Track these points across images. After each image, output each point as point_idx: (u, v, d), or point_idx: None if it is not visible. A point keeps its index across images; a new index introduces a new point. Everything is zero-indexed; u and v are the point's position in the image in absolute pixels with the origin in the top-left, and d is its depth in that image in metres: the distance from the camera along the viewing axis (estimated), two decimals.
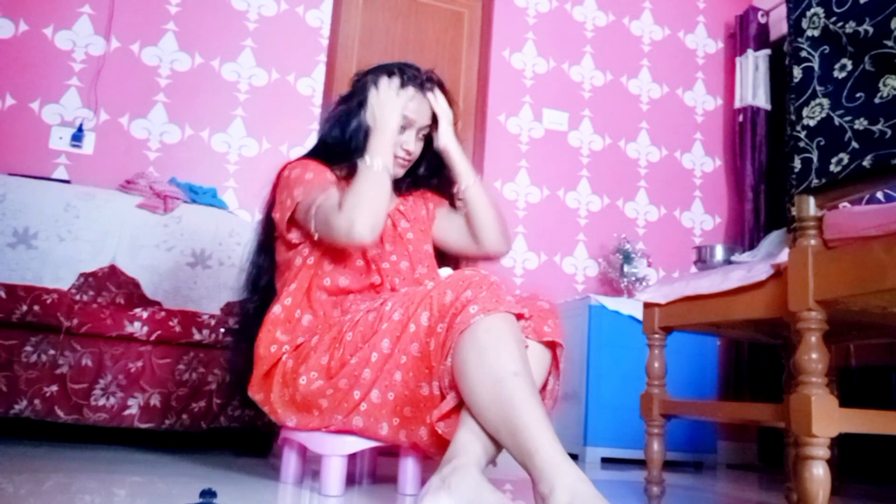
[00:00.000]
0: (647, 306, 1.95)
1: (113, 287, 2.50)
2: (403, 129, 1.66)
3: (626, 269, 3.47)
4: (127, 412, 2.09)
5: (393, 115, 1.60)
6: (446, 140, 1.73)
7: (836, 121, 1.36)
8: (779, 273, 1.52)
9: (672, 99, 4.03)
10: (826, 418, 1.34)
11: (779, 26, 3.86)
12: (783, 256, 1.52)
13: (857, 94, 1.33)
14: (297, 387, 1.48)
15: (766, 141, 3.87)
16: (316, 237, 1.53)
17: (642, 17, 4.06)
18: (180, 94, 3.19)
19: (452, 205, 1.82)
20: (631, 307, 3.14)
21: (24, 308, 2.02)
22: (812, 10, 1.45)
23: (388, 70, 1.71)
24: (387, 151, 1.55)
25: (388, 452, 1.65)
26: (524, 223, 3.63)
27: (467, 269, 1.39)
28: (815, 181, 1.39)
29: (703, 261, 2.08)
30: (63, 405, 2.04)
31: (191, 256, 2.59)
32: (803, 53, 1.46)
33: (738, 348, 3.68)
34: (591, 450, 2.98)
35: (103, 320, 2.10)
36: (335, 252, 1.60)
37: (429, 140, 1.76)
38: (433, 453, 1.40)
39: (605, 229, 3.73)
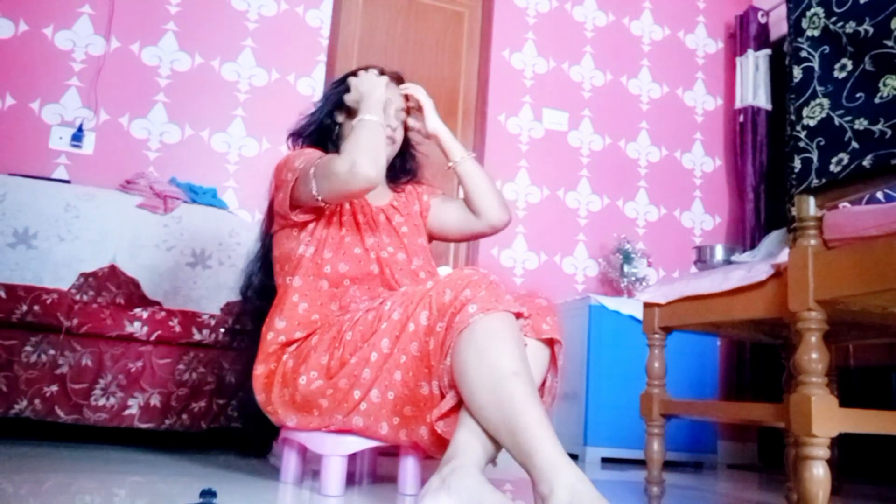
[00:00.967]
0: (647, 306, 1.95)
1: (113, 287, 2.50)
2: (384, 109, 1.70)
3: (626, 269, 3.47)
4: (127, 412, 2.09)
5: (378, 85, 1.66)
6: (434, 124, 1.79)
7: (836, 121, 1.36)
8: (779, 273, 1.52)
9: (672, 99, 4.03)
10: (826, 418, 1.34)
11: (779, 26, 3.86)
12: (783, 256, 1.52)
13: (857, 94, 1.33)
14: (296, 387, 1.48)
15: (766, 141, 3.86)
16: (320, 199, 1.51)
17: (642, 17, 4.06)
18: (180, 94, 3.19)
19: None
20: (631, 307, 3.14)
21: (24, 308, 2.02)
22: (812, 10, 1.45)
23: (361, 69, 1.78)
24: (377, 110, 1.59)
25: (388, 452, 1.65)
26: (524, 223, 3.63)
27: (466, 269, 1.39)
28: (815, 181, 1.39)
29: (703, 261, 2.08)
30: (63, 405, 2.04)
31: (191, 256, 2.59)
32: (803, 53, 1.46)
33: (738, 348, 3.68)
34: (591, 450, 2.98)
35: (103, 320, 2.10)
36: (333, 241, 1.60)
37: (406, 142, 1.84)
38: (433, 452, 1.40)
39: (605, 229, 3.73)
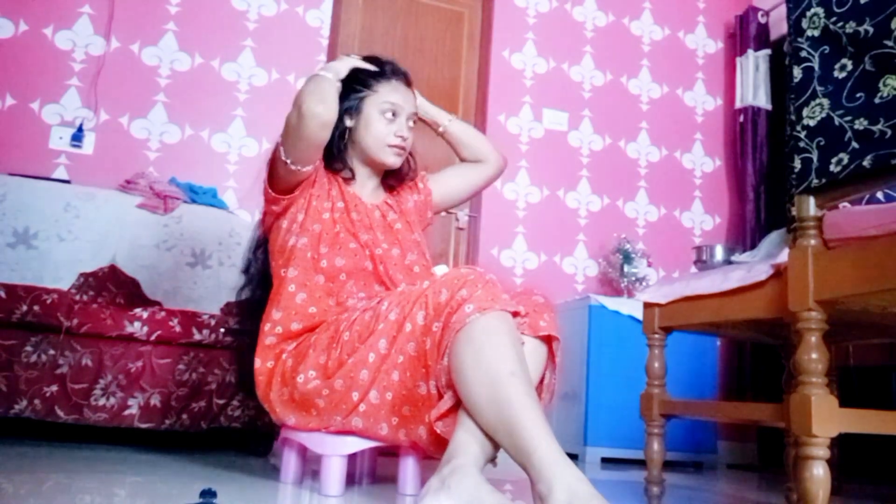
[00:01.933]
0: (647, 306, 1.95)
1: (113, 287, 2.50)
2: (394, 115, 1.70)
3: (626, 269, 3.47)
4: (127, 412, 2.09)
5: (344, 61, 1.68)
6: (418, 103, 1.84)
7: (836, 121, 1.36)
8: (779, 273, 1.52)
9: (672, 99, 4.03)
10: (826, 418, 1.34)
11: (779, 26, 3.86)
12: (783, 256, 1.52)
13: (857, 94, 1.33)
14: (295, 385, 1.49)
15: (766, 141, 3.86)
16: (289, 162, 1.54)
17: (642, 17, 4.06)
18: (180, 94, 3.19)
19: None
20: (631, 307, 3.14)
21: (24, 308, 2.02)
22: (812, 10, 1.45)
23: (375, 62, 1.76)
24: (333, 69, 1.61)
25: (388, 452, 1.65)
26: (524, 223, 3.63)
27: (463, 268, 1.39)
28: (815, 181, 1.39)
29: (703, 261, 2.08)
30: (63, 405, 2.04)
31: (191, 256, 2.59)
32: (803, 53, 1.46)
33: (738, 348, 3.68)
34: (591, 450, 2.98)
35: (103, 320, 2.10)
36: (328, 236, 1.60)
37: None
38: (433, 452, 1.40)
39: (605, 229, 3.73)
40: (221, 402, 2.19)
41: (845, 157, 1.33)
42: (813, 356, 1.38)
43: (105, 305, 2.22)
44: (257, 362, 1.58)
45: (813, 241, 1.42)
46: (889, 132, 1.25)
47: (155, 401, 2.12)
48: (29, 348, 2.04)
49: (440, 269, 1.78)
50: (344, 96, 1.68)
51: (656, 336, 1.93)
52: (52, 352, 2.05)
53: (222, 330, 2.20)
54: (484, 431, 1.24)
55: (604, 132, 3.86)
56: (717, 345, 3.40)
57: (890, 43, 1.26)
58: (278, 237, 1.65)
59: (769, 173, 3.84)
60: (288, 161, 1.54)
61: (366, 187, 1.77)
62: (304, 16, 3.45)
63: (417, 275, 1.66)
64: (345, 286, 1.59)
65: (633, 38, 4.02)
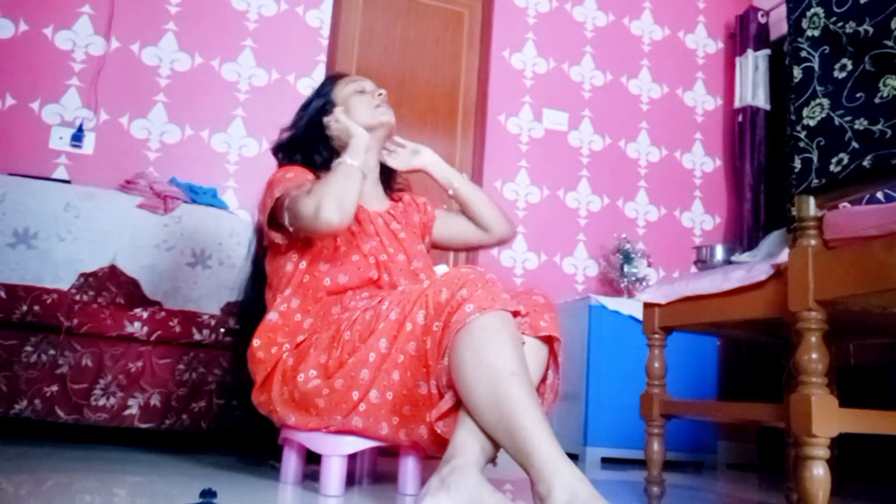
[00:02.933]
0: (647, 306, 1.95)
1: (113, 287, 2.50)
2: (363, 91, 1.76)
3: (626, 269, 3.47)
4: (127, 412, 2.09)
5: (358, 126, 1.66)
6: (429, 156, 1.85)
7: (836, 121, 1.36)
8: (779, 273, 1.52)
9: (672, 99, 4.03)
10: (826, 418, 1.34)
11: (779, 26, 3.86)
12: (783, 256, 1.52)
13: (857, 94, 1.33)
14: (295, 384, 1.49)
15: (765, 141, 3.86)
16: (291, 230, 1.53)
17: (642, 17, 4.06)
18: (180, 94, 3.19)
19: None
20: (631, 307, 3.14)
21: (24, 308, 2.02)
22: (812, 10, 1.45)
23: (322, 82, 1.85)
24: (360, 154, 1.58)
25: (388, 452, 1.65)
26: (524, 223, 3.63)
27: (463, 267, 1.39)
28: (815, 181, 1.39)
29: (703, 261, 2.08)
30: (63, 405, 2.04)
31: (191, 256, 2.59)
32: (803, 53, 1.46)
33: (738, 348, 3.68)
34: (591, 450, 2.98)
35: (103, 320, 2.10)
36: (328, 252, 1.60)
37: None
38: (433, 452, 1.40)
39: (605, 229, 3.73)
40: (221, 402, 2.19)
41: (845, 157, 1.33)
42: (813, 356, 1.38)
43: (105, 305, 2.22)
44: (259, 379, 1.58)
45: (813, 241, 1.42)
46: (889, 132, 1.25)
47: (155, 401, 2.12)
48: (29, 348, 2.04)
49: (440, 269, 1.78)
50: (317, 106, 1.76)
51: (656, 336, 1.93)
52: (52, 352, 2.05)
53: (222, 330, 2.20)
54: (484, 431, 1.24)
55: (604, 132, 3.86)
56: (717, 345, 3.40)
57: (890, 43, 1.26)
58: (274, 261, 1.66)
59: (768, 173, 3.84)
60: (291, 230, 1.54)
61: (367, 194, 1.76)
62: (304, 16, 3.45)
63: (422, 281, 1.66)
64: (347, 294, 1.60)
65: (633, 38, 4.02)
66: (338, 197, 1.46)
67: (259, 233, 1.73)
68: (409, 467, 1.56)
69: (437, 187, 1.88)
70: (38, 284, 2.18)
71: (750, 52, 3.91)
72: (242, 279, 1.87)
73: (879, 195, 1.74)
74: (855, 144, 1.31)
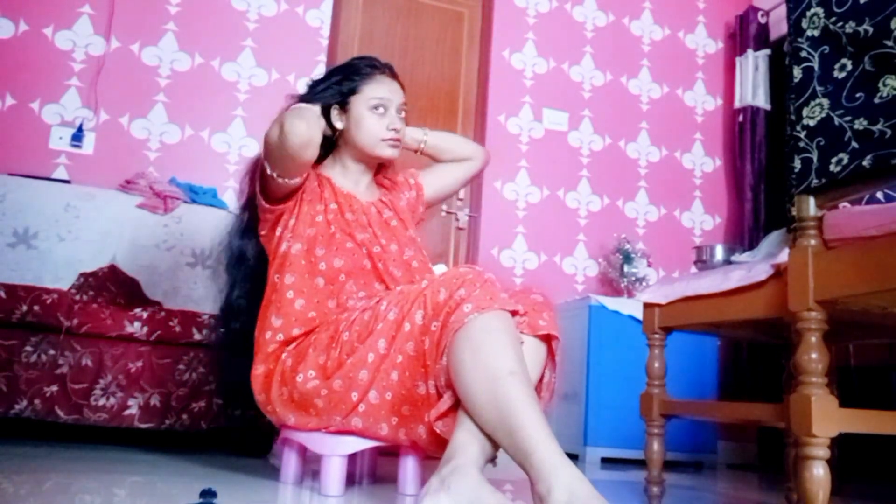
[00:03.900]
0: (647, 306, 1.95)
1: (113, 287, 2.50)
2: (384, 109, 1.70)
3: (626, 269, 3.47)
4: (127, 412, 2.09)
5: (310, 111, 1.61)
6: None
7: (836, 121, 1.36)
8: (779, 273, 1.52)
9: (672, 99, 4.03)
10: (826, 418, 1.34)
11: (779, 26, 3.86)
12: (783, 256, 1.52)
13: (857, 94, 1.33)
14: (294, 384, 1.48)
15: (765, 141, 3.86)
16: (275, 175, 1.54)
17: (642, 17, 4.06)
18: (180, 94, 3.19)
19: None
20: (631, 307, 3.14)
21: (24, 308, 2.02)
22: (812, 10, 1.45)
23: (352, 65, 1.77)
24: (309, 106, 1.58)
25: (388, 452, 1.65)
26: (524, 223, 3.63)
27: (462, 267, 1.39)
28: (815, 181, 1.39)
29: (703, 261, 2.07)
30: (63, 405, 2.04)
31: (191, 256, 2.59)
32: (803, 53, 1.45)
33: (738, 348, 3.68)
34: (591, 450, 2.98)
35: (103, 320, 2.10)
36: (324, 238, 1.60)
37: None
38: (433, 452, 1.40)
39: (605, 229, 3.73)
40: (221, 402, 2.19)
41: (845, 157, 1.33)
42: (813, 356, 1.38)
43: (105, 305, 2.22)
44: (259, 369, 1.58)
45: (813, 241, 1.42)
46: (889, 132, 1.25)
47: (155, 401, 2.12)
48: (29, 348, 2.04)
49: (439, 269, 1.78)
50: (332, 99, 1.71)
51: (656, 336, 1.93)
52: (52, 352, 2.05)
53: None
54: (484, 431, 1.24)
55: (604, 132, 3.86)
56: (717, 345, 3.40)
57: (890, 43, 1.26)
58: (272, 243, 1.66)
59: (769, 173, 3.84)
60: (274, 175, 1.54)
61: (360, 184, 1.77)
62: (304, 16, 3.45)
63: (416, 270, 1.67)
64: (344, 287, 1.59)
65: (633, 38, 4.02)
66: (295, 113, 1.48)
67: (246, 220, 1.72)
68: (409, 467, 1.56)
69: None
70: (38, 284, 2.18)
71: (750, 52, 3.91)
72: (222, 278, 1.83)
73: (879, 195, 1.74)
74: (855, 144, 1.31)
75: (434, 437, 1.36)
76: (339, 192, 1.70)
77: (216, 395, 2.19)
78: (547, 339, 1.42)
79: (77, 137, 3.00)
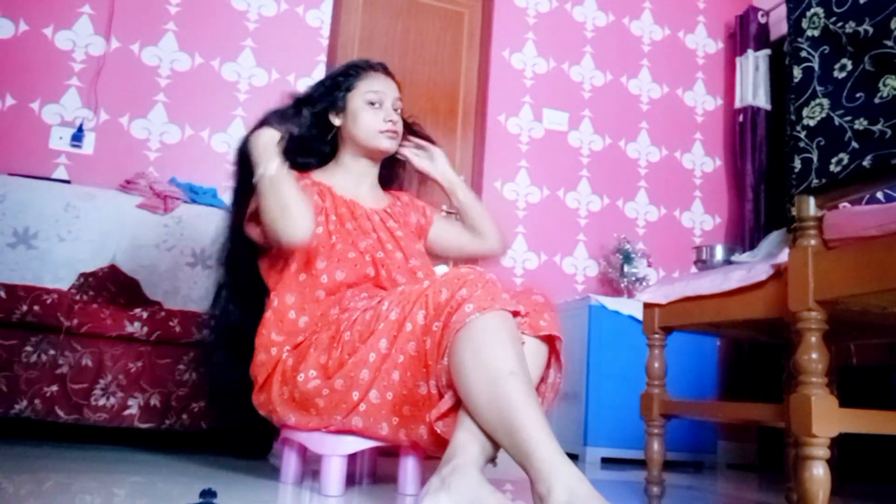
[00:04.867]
0: (647, 306, 1.95)
1: (113, 287, 2.50)
2: (379, 104, 1.73)
3: (626, 269, 3.47)
4: (127, 412, 2.09)
5: (262, 136, 1.59)
6: (439, 168, 1.88)
7: (836, 121, 1.36)
8: (779, 273, 1.52)
9: (672, 99, 4.03)
10: (826, 418, 1.34)
11: (779, 26, 3.86)
12: (783, 256, 1.52)
13: (857, 94, 1.33)
14: (295, 384, 1.48)
15: (766, 141, 3.86)
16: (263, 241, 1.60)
17: (642, 17, 4.06)
18: (180, 94, 3.19)
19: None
20: (631, 307, 3.14)
21: (24, 308, 2.02)
22: (812, 10, 1.45)
23: (347, 67, 1.79)
24: (270, 158, 1.53)
25: (388, 452, 1.65)
26: (524, 223, 3.63)
27: (463, 267, 1.39)
28: (815, 181, 1.39)
29: (703, 261, 2.07)
30: (63, 405, 2.04)
31: (191, 256, 2.59)
32: (803, 53, 1.46)
33: (738, 348, 3.68)
34: (591, 450, 2.98)
35: (103, 320, 2.10)
36: (325, 250, 1.60)
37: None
38: (433, 452, 1.40)
39: (605, 229, 3.73)
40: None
41: (845, 157, 1.33)
42: (813, 356, 1.38)
43: (105, 305, 2.22)
44: (260, 378, 1.58)
45: (813, 241, 1.42)
46: (889, 132, 1.25)
47: (155, 401, 2.12)
48: (29, 348, 2.04)
49: (440, 270, 1.78)
50: (328, 98, 1.74)
51: (656, 336, 1.93)
52: (52, 352, 2.05)
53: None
54: (484, 431, 1.24)
55: (604, 132, 3.86)
56: (717, 345, 3.40)
57: (890, 43, 1.26)
58: (267, 258, 1.66)
59: (769, 173, 3.84)
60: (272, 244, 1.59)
61: (361, 186, 1.77)
62: (304, 16, 3.45)
63: (421, 280, 1.66)
64: (346, 295, 1.59)
65: (633, 38, 4.02)
66: (284, 215, 1.48)
67: (235, 232, 1.72)
68: (409, 467, 1.56)
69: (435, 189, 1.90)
70: (38, 284, 2.18)
71: (750, 52, 3.91)
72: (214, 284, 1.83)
73: (879, 195, 1.75)
74: (855, 144, 1.31)
75: (435, 437, 1.36)
76: (341, 200, 1.70)
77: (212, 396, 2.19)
78: (550, 340, 1.42)
79: (77, 137, 3.00)
